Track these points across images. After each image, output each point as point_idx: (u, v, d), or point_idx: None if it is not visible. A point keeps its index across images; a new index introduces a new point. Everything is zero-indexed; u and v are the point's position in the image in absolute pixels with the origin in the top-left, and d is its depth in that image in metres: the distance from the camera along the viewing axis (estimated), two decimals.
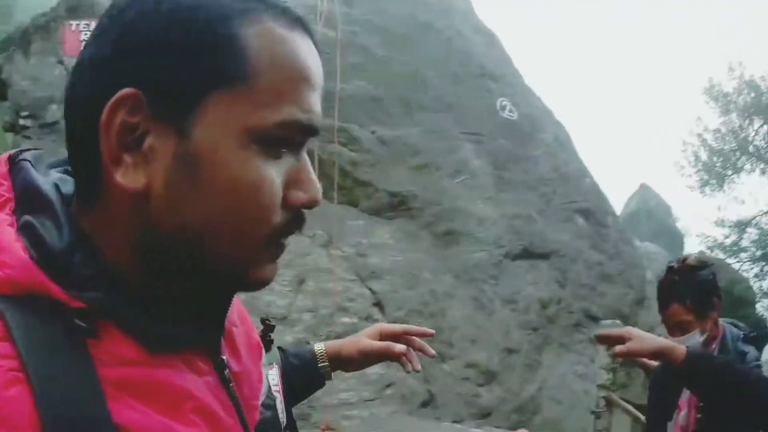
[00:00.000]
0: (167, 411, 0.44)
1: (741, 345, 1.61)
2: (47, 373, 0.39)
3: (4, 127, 7.83)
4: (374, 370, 5.96)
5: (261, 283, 0.50)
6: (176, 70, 0.43)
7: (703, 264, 1.65)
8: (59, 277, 0.42)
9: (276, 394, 0.85)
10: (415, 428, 5.78)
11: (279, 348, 1.07)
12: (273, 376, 0.93)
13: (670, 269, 1.65)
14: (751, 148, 18.77)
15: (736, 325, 1.71)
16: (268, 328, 0.88)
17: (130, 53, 0.43)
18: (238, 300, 0.61)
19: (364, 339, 1.09)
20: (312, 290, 5.13)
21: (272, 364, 0.97)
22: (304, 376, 1.06)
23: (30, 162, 0.49)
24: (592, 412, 5.24)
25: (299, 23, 0.48)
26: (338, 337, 4.86)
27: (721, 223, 19.23)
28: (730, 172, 18.91)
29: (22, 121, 6.61)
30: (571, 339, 8.01)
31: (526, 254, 7.17)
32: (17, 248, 0.42)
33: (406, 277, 5.63)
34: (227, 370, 0.53)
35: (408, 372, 1.05)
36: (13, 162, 0.48)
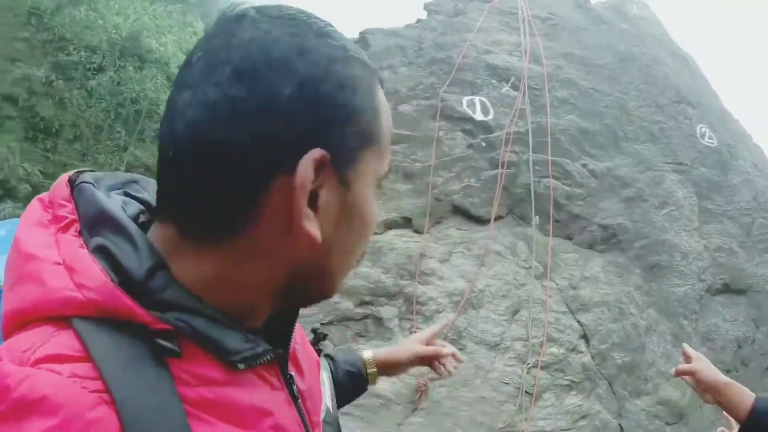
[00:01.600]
0: (245, 426, 0.45)
1: None
2: (130, 392, 0.39)
3: None
4: (573, 401, 5.89)
5: (337, 292, 0.56)
6: (342, 132, 0.47)
7: None
8: (140, 300, 0.43)
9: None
10: None
11: (327, 355, 1.09)
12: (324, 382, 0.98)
13: None
14: None
15: None
16: (318, 338, 0.90)
17: (299, 112, 0.44)
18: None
19: (416, 344, 1.20)
20: (524, 320, 5.22)
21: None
22: (353, 380, 1.12)
23: (92, 184, 0.49)
24: None
25: (382, 85, 0.55)
26: (545, 367, 4.87)
27: None
28: None
29: None
30: (761, 384, 7.36)
31: (726, 289, 6.73)
32: (97, 271, 0.42)
33: (613, 310, 5.54)
34: (295, 386, 0.55)
35: (442, 375, 1.19)
36: (74, 184, 0.49)
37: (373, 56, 6.07)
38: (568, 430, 5.99)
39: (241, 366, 0.47)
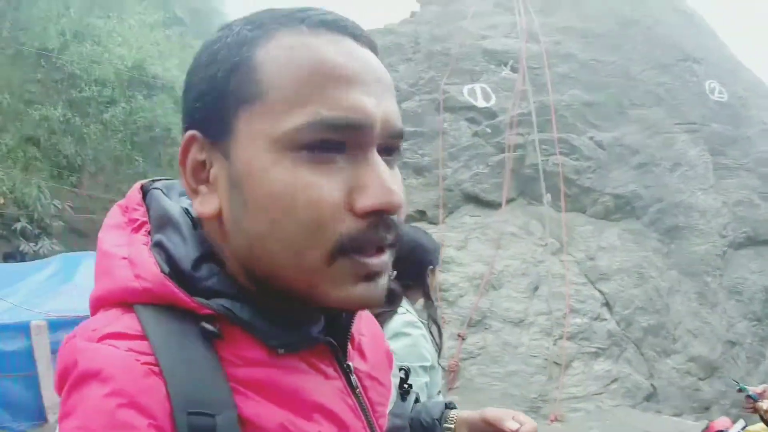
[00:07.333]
0: (289, 407, 0.47)
1: None
2: (179, 367, 0.44)
3: None
4: (602, 366, 6.07)
5: (341, 304, 0.48)
6: (212, 102, 0.47)
7: None
8: (188, 288, 0.47)
9: None
10: (634, 420, 5.80)
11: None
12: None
13: None
14: None
15: None
16: (407, 375, 0.82)
17: (189, 97, 0.49)
18: (368, 312, 0.63)
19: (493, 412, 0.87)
20: (546, 295, 5.39)
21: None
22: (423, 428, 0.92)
23: (162, 190, 0.55)
24: None
25: (326, 26, 0.47)
26: (570, 338, 4.99)
27: None
28: None
29: None
30: None
31: (750, 242, 6.72)
32: (151, 264, 0.48)
33: (633, 276, 5.65)
34: (353, 375, 0.55)
35: None
36: (147, 190, 0.55)
37: None
38: (601, 394, 6.18)
39: (281, 351, 0.49)
